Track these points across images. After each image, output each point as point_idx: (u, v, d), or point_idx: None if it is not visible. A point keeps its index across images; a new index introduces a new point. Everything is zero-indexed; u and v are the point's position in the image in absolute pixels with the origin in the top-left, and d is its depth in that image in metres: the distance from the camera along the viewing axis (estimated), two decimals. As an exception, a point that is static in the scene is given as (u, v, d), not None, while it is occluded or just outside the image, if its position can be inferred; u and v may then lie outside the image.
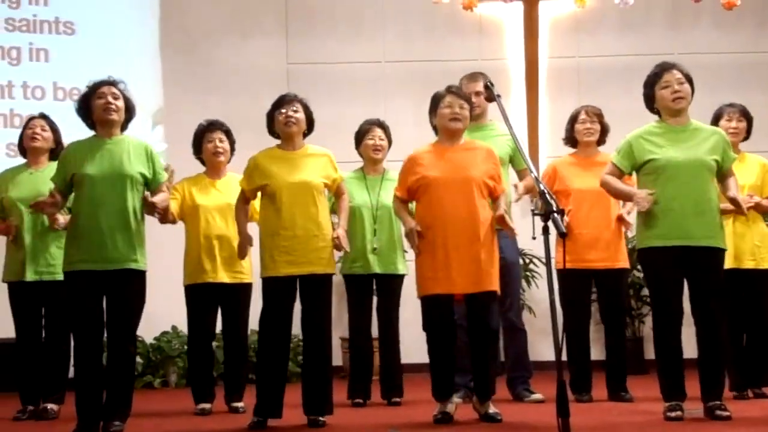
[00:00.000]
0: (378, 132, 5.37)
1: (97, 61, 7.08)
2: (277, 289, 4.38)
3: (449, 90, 4.48)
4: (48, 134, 5.17)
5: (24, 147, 5.21)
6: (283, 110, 4.50)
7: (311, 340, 4.44)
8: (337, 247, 4.49)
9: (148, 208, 4.28)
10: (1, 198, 5.10)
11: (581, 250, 5.09)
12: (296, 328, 4.49)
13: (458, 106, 4.43)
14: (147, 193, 4.31)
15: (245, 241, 4.57)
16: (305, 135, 4.60)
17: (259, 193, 4.57)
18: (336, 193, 4.66)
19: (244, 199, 4.60)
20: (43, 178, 4.90)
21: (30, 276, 4.99)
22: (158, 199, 4.30)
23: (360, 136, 5.41)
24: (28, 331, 5.06)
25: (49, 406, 4.99)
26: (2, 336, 6.20)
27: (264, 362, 4.41)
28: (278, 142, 4.59)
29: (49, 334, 5.04)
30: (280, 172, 4.43)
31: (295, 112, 4.51)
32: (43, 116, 5.28)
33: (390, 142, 5.44)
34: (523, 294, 6.66)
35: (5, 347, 6.09)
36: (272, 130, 4.58)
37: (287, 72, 7.80)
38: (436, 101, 4.49)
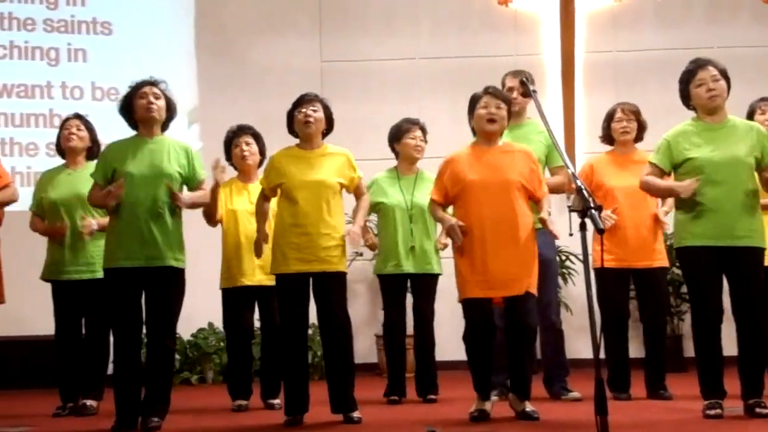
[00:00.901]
0: (418, 132, 5.36)
1: (134, 60, 7.17)
2: (289, 285, 4.39)
3: (487, 90, 4.44)
4: (84, 134, 5.23)
5: (61, 147, 5.28)
6: (303, 109, 4.50)
7: (329, 338, 4.44)
8: (355, 242, 4.50)
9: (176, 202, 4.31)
10: (40, 198, 5.17)
11: (619, 248, 5.04)
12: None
13: (494, 106, 4.38)
14: (178, 192, 4.35)
15: (262, 238, 4.57)
16: (325, 134, 4.60)
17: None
18: (355, 193, 4.63)
19: (264, 197, 4.61)
20: (81, 178, 4.96)
21: (70, 274, 5.05)
22: (187, 195, 4.36)
23: (400, 134, 5.38)
24: (68, 328, 5.12)
25: (88, 402, 5.04)
26: (43, 333, 6.28)
27: (288, 360, 4.42)
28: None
29: (88, 331, 5.09)
30: (297, 171, 4.44)
31: (315, 111, 4.50)
32: (78, 116, 5.34)
33: (425, 142, 5.42)
34: (559, 292, 6.60)
35: (45, 344, 6.17)
36: (292, 129, 4.59)
37: (321, 70, 7.82)
38: (473, 102, 4.46)
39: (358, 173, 4.59)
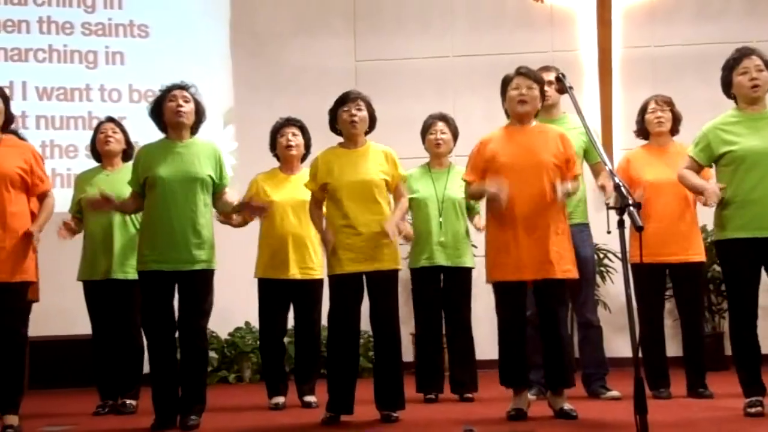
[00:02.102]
0: (440, 126, 5.34)
1: (170, 62, 7.24)
2: (344, 286, 4.38)
3: (518, 71, 4.41)
4: (119, 136, 5.30)
5: (98, 151, 5.34)
6: (347, 108, 4.49)
7: (381, 335, 4.44)
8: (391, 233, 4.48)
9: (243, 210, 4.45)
10: (80, 199, 5.23)
11: (656, 243, 4.96)
12: (366, 325, 4.49)
13: (526, 87, 4.35)
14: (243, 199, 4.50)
15: (327, 235, 4.49)
16: (367, 133, 4.60)
17: None
18: (395, 192, 4.61)
19: (315, 200, 4.60)
20: (119, 179, 5.01)
21: (104, 275, 5.11)
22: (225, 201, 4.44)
23: (423, 131, 5.40)
24: (103, 328, 5.18)
25: (128, 401, 5.10)
26: (83, 332, 6.36)
27: (334, 359, 4.42)
28: (340, 139, 4.60)
29: (122, 332, 5.14)
30: (341, 171, 4.44)
31: (359, 110, 4.49)
32: (111, 119, 5.41)
33: (456, 135, 5.40)
34: (597, 289, 6.54)
35: (83, 343, 6.25)
36: (334, 127, 4.59)
37: (355, 70, 7.83)
38: (505, 84, 4.44)
39: (401, 172, 4.58)
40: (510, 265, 4.25)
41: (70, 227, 5.11)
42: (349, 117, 4.47)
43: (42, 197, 4.57)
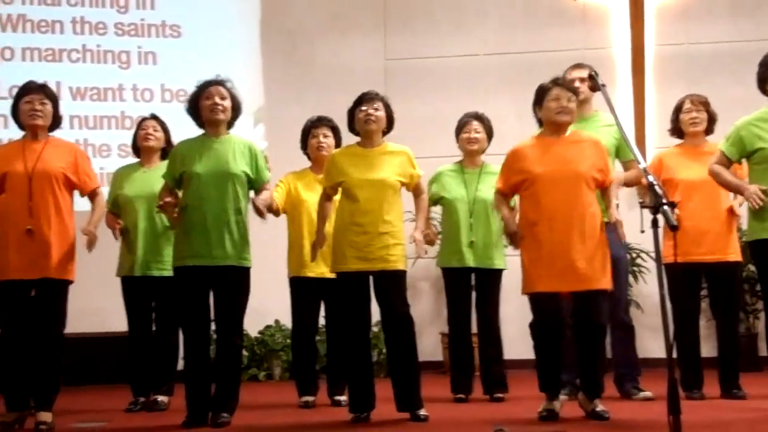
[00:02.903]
0: (474, 125, 5.31)
1: (202, 62, 7.27)
2: (350, 283, 4.39)
3: (556, 83, 4.37)
4: (160, 134, 5.34)
5: (138, 147, 5.39)
6: (364, 108, 4.49)
7: (393, 337, 4.42)
8: (420, 249, 4.51)
9: (256, 209, 4.39)
10: (116, 195, 5.28)
11: (690, 243, 4.91)
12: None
13: (566, 99, 4.31)
14: (253, 196, 4.44)
15: (318, 242, 4.58)
16: (385, 133, 4.58)
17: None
18: (414, 191, 4.61)
19: (326, 196, 4.62)
20: (156, 176, 5.03)
21: (141, 271, 5.15)
22: (260, 200, 4.43)
23: (458, 130, 5.38)
24: (140, 325, 5.21)
25: (159, 397, 5.13)
26: (116, 329, 6.42)
27: (351, 358, 4.42)
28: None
29: (158, 328, 5.18)
30: (357, 170, 4.44)
31: (376, 110, 4.49)
32: (154, 117, 5.45)
33: (490, 135, 5.37)
34: (630, 289, 6.48)
35: (116, 341, 6.31)
36: (352, 127, 4.59)
37: (385, 69, 7.82)
38: (541, 94, 4.39)
39: (418, 171, 4.58)
40: (546, 277, 4.20)
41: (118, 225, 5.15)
42: (365, 116, 4.47)
43: (93, 195, 4.68)
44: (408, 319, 4.41)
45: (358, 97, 4.55)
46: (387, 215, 4.40)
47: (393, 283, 4.40)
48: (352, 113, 4.55)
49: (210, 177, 4.37)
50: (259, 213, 4.42)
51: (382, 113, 4.51)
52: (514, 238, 4.32)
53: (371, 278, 4.41)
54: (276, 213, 5.13)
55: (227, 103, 4.47)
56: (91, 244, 4.58)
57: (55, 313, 4.45)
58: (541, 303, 4.27)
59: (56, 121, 4.64)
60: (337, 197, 4.62)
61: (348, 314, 4.41)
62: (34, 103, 4.52)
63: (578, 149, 4.30)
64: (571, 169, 4.23)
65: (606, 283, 4.24)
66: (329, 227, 4.63)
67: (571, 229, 4.17)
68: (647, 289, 7.10)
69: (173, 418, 4.42)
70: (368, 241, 4.36)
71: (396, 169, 4.48)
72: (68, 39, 7.53)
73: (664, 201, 3.44)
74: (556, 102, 4.31)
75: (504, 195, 4.45)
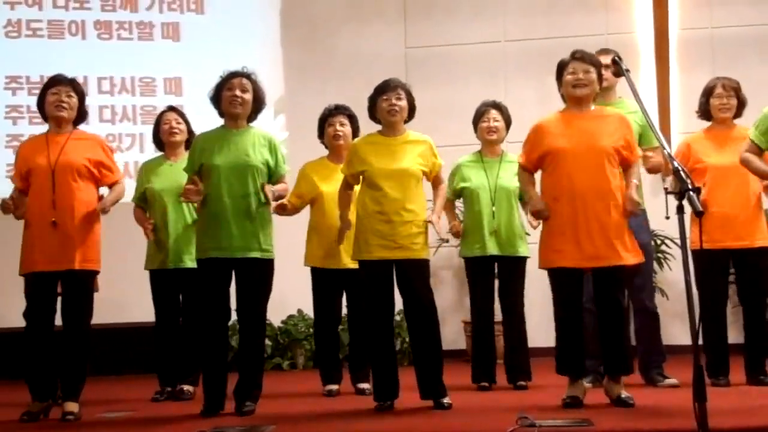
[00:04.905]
0: (493, 113, 5.28)
1: (222, 51, 7.26)
2: (373, 272, 4.39)
3: (573, 56, 4.35)
4: (183, 126, 5.36)
5: (160, 140, 5.40)
6: (386, 97, 4.47)
7: (417, 325, 4.42)
8: (438, 230, 4.50)
9: (264, 194, 4.39)
10: (144, 189, 5.31)
11: (718, 229, 4.87)
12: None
13: (582, 71, 4.29)
14: (265, 184, 4.43)
15: (345, 226, 4.58)
16: (406, 122, 4.56)
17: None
18: (434, 181, 4.61)
19: (347, 184, 4.62)
20: (181, 168, 5.06)
21: (169, 264, 5.18)
22: (272, 187, 4.42)
23: (476, 119, 5.35)
24: (167, 316, 5.25)
25: (185, 387, 5.17)
26: (140, 320, 6.47)
27: (375, 345, 4.43)
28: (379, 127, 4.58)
29: (185, 319, 5.21)
30: (379, 159, 4.43)
31: (399, 99, 4.47)
32: (173, 108, 5.46)
33: (508, 123, 5.34)
34: (654, 276, 6.44)
35: (144, 331, 6.34)
36: (373, 115, 4.57)
37: (405, 57, 7.79)
38: (561, 68, 4.38)
39: (439, 161, 4.57)
40: (567, 252, 4.18)
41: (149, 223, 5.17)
42: (388, 106, 4.46)
43: (113, 186, 4.68)
44: (432, 306, 4.41)
45: (379, 85, 4.53)
46: (410, 204, 4.39)
47: (416, 272, 4.39)
48: (373, 101, 4.53)
49: (229, 169, 4.37)
50: (265, 197, 4.39)
51: (404, 102, 4.49)
52: (540, 215, 4.29)
53: (394, 267, 4.41)
54: (288, 210, 5.09)
55: (247, 96, 4.48)
56: (101, 211, 4.53)
57: (81, 303, 4.49)
58: (561, 279, 4.24)
59: (81, 115, 4.66)
60: (357, 188, 4.61)
61: (372, 302, 4.41)
62: (61, 95, 4.55)
63: (602, 124, 4.27)
64: (594, 144, 4.20)
65: (630, 258, 4.20)
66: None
67: (593, 205, 4.15)
68: (672, 276, 7.04)
69: (198, 408, 4.44)
70: (392, 229, 4.35)
71: (418, 159, 4.47)
72: (91, 35, 7.52)
73: (690, 186, 3.41)
74: (573, 75, 4.29)
75: (527, 170, 4.43)
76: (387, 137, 4.52)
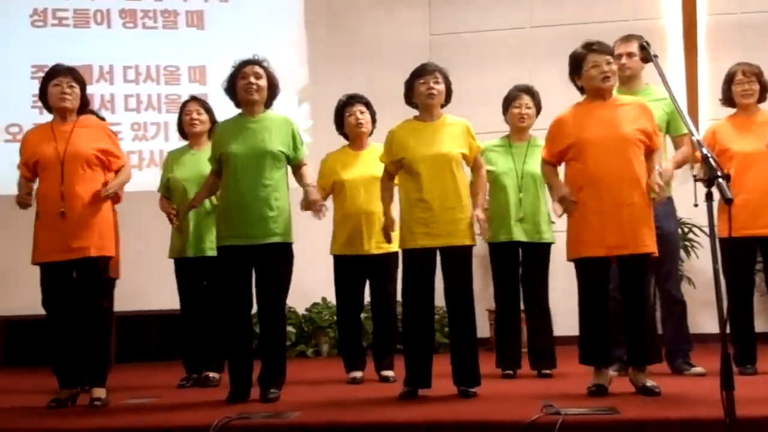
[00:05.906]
0: (525, 99, 5.24)
1: (246, 40, 7.27)
2: (416, 260, 4.36)
3: (590, 48, 4.28)
4: (204, 116, 5.37)
5: (185, 131, 5.42)
6: (424, 81, 4.44)
7: (455, 311, 4.40)
8: (484, 232, 4.47)
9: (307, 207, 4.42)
10: (168, 178, 5.34)
11: (744, 216, 4.81)
12: (440, 300, 4.46)
13: (605, 63, 4.24)
14: (303, 195, 4.46)
15: (389, 225, 4.55)
16: (443, 106, 4.54)
17: None
18: (474, 164, 4.56)
19: (388, 175, 4.59)
20: (205, 158, 5.06)
21: (192, 252, 5.21)
22: (311, 199, 4.42)
23: (507, 103, 5.30)
24: (191, 303, 5.29)
25: (211, 374, 5.20)
26: (165, 308, 6.51)
27: (410, 333, 4.41)
28: (415, 112, 4.55)
29: (209, 307, 5.23)
30: (418, 145, 4.40)
31: (437, 83, 4.45)
32: (195, 98, 5.48)
33: (539, 110, 5.30)
34: (681, 264, 6.38)
35: (169, 318, 6.39)
36: (410, 100, 4.54)
37: (430, 43, 7.75)
38: (577, 62, 4.31)
39: (478, 143, 4.53)
40: (593, 241, 4.16)
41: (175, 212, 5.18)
42: (426, 90, 4.43)
43: (119, 171, 4.68)
44: (470, 294, 4.39)
45: (416, 68, 4.49)
46: (452, 189, 4.36)
47: (460, 258, 4.37)
48: (410, 86, 4.49)
49: (246, 156, 4.38)
50: (308, 209, 4.42)
51: (442, 86, 4.47)
52: (565, 202, 4.26)
53: (439, 253, 4.38)
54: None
55: (262, 82, 4.48)
56: (105, 195, 4.53)
57: (98, 289, 4.51)
58: (587, 269, 4.22)
59: (84, 104, 4.66)
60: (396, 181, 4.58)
61: (413, 290, 4.38)
62: (63, 86, 4.54)
63: (623, 112, 4.24)
64: (617, 132, 4.16)
65: (650, 246, 4.17)
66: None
67: (618, 194, 4.12)
68: (699, 264, 6.97)
69: (224, 394, 4.47)
70: (434, 216, 4.33)
71: (457, 141, 4.43)
72: (116, 23, 7.55)
73: (719, 174, 3.36)
74: (597, 69, 4.23)
75: (551, 165, 4.41)
76: (424, 122, 4.49)
